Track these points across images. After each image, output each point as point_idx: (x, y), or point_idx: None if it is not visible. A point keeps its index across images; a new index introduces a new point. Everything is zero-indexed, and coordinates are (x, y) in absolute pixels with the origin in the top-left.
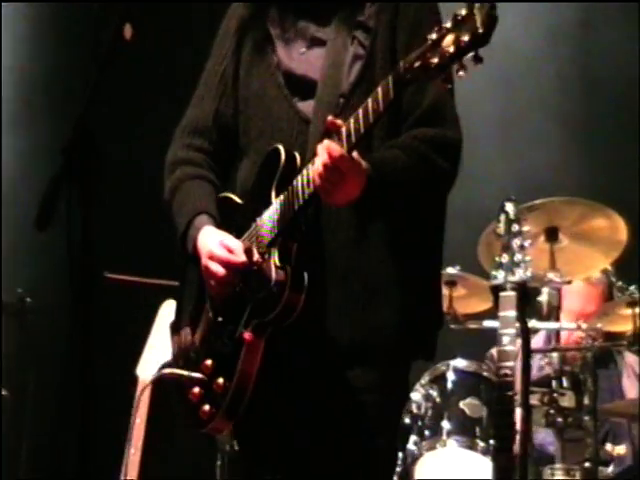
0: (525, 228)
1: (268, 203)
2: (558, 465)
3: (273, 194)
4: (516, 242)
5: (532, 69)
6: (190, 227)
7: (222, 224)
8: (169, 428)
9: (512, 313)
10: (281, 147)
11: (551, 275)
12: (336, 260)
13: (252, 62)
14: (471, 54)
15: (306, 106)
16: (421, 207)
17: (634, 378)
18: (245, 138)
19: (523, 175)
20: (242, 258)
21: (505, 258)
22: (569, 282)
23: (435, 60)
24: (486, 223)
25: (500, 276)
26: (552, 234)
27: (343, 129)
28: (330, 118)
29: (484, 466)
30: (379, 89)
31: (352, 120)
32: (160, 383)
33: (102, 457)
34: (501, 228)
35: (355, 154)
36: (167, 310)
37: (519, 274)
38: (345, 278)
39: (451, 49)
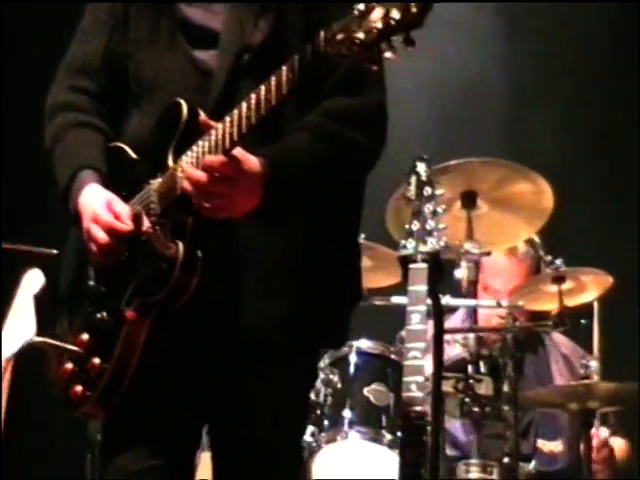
0: (439, 192)
1: (164, 165)
2: (474, 461)
3: (170, 157)
4: (428, 207)
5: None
6: (73, 183)
7: (112, 178)
8: (33, 417)
9: (423, 288)
10: (183, 102)
11: (468, 245)
12: (238, 240)
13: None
14: (401, 35)
15: (207, 56)
16: (338, 189)
17: (562, 363)
18: (136, 86)
19: (437, 133)
20: (128, 225)
21: (416, 225)
22: (488, 253)
23: (360, 36)
24: (395, 186)
25: (410, 246)
26: (469, 199)
27: (215, 132)
28: (203, 117)
29: (390, 461)
30: (295, 58)
31: (244, 105)
32: (23, 362)
33: None
34: (411, 191)
35: (240, 153)
36: (30, 280)
37: (431, 244)
38: (246, 260)
39: (379, 25)
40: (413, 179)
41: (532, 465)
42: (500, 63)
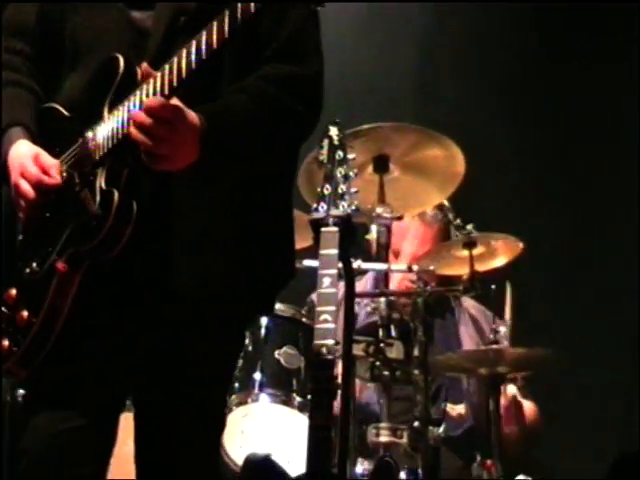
0: (351, 156)
1: (100, 118)
2: (384, 424)
3: (106, 109)
4: (340, 171)
5: None
6: (2, 140)
7: (44, 138)
8: None
9: (334, 251)
10: (120, 57)
11: (380, 210)
12: (174, 195)
13: None
14: None
15: (144, 17)
16: (274, 153)
17: (472, 328)
18: (72, 48)
19: (350, 97)
20: (56, 179)
21: (328, 189)
22: (400, 218)
23: None
24: (307, 149)
25: (321, 209)
26: (381, 164)
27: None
28: (145, 66)
29: (300, 423)
30: (237, 5)
31: (184, 51)
32: None
33: None
34: (324, 155)
35: (180, 104)
36: None
37: (343, 207)
38: (183, 215)
39: None
40: (325, 142)
41: (441, 429)
42: (413, 29)
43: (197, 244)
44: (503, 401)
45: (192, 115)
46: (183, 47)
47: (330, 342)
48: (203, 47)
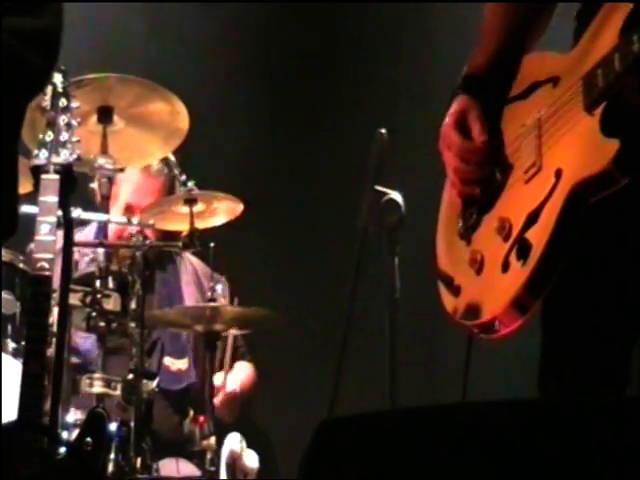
0: (74, 104)
1: None
2: (97, 375)
3: None
4: (63, 119)
5: None
6: None
7: None
8: None
9: (54, 199)
10: None
11: (102, 161)
12: None
13: None
14: None
15: None
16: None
17: (193, 284)
18: None
19: (78, 46)
20: None
21: (50, 136)
22: (121, 170)
23: None
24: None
25: (42, 156)
26: (105, 114)
27: None
28: None
29: (14, 370)
30: None
31: None
32: None
33: None
34: (47, 102)
35: None
36: None
37: (64, 155)
38: None
39: None
40: (49, 89)
41: (155, 383)
42: None
43: None
44: (221, 397)
45: None
46: None
47: (47, 289)
48: None
